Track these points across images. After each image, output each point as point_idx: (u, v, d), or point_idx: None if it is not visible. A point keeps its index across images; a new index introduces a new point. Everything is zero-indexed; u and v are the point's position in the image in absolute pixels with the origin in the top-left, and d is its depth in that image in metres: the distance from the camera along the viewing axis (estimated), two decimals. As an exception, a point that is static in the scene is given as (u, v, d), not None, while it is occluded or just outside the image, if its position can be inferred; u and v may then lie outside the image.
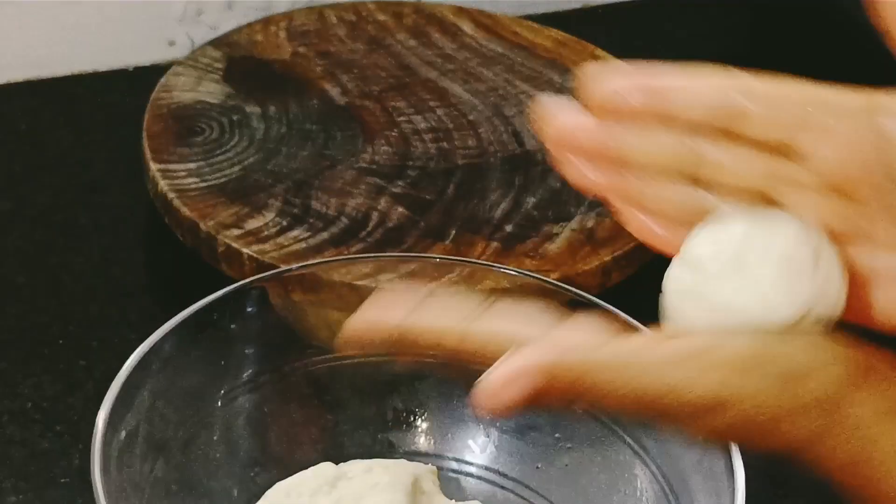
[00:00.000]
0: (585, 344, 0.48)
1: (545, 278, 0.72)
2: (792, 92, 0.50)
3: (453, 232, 0.83)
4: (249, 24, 0.97)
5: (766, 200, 0.50)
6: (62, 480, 0.74)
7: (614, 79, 0.50)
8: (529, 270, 0.76)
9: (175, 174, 0.84)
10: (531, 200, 0.85)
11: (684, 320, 0.50)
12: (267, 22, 0.97)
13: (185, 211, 0.82)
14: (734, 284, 0.49)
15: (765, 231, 0.49)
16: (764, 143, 0.50)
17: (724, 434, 0.48)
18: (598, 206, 0.85)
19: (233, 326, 0.69)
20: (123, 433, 0.63)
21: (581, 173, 0.51)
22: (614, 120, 0.50)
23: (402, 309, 0.51)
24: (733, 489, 0.61)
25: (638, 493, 0.68)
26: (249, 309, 0.70)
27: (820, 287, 0.49)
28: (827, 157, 0.49)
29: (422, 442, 0.72)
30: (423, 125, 0.91)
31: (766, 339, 0.48)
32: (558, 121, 0.51)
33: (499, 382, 0.45)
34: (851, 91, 0.49)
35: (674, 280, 0.51)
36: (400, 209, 0.84)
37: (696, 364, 0.47)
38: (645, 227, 0.52)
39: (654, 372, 0.47)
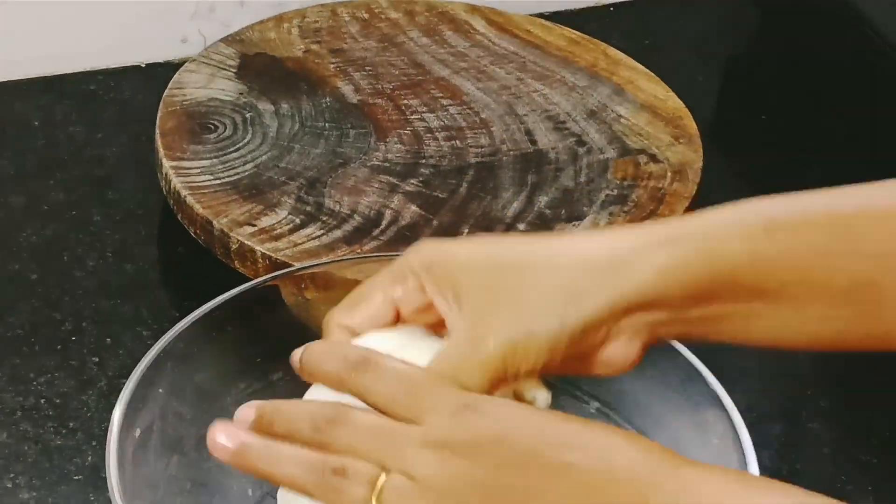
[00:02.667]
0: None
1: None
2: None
3: (466, 230, 0.83)
4: (262, 22, 0.97)
5: None
6: (75, 477, 0.74)
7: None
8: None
9: (188, 171, 0.85)
10: (543, 199, 0.86)
11: None
12: (280, 19, 0.97)
13: (199, 208, 0.82)
14: None
15: None
16: None
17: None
18: (611, 205, 0.85)
19: (247, 324, 0.69)
20: (138, 430, 0.63)
21: None
22: None
23: None
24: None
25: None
26: (263, 307, 0.70)
27: None
28: None
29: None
30: (435, 123, 0.91)
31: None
32: None
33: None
34: None
35: None
36: (413, 207, 0.84)
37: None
38: None
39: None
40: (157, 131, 0.87)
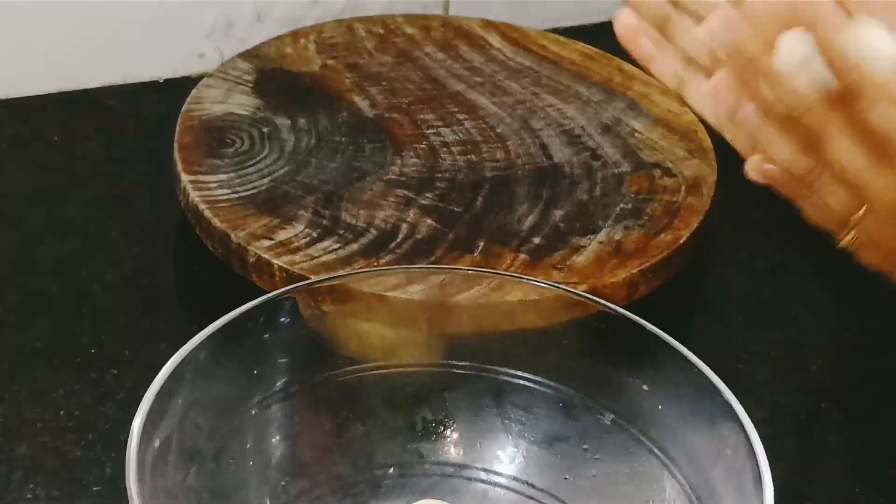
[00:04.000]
0: None
1: (574, 290, 0.73)
2: None
3: (482, 244, 0.83)
4: (279, 37, 0.98)
5: None
6: (94, 489, 0.74)
7: None
8: (557, 282, 0.77)
9: (206, 185, 0.85)
10: (559, 213, 0.86)
11: None
12: (296, 35, 0.98)
13: (216, 222, 0.83)
14: None
15: None
16: None
17: None
18: (625, 218, 0.86)
19: (264, 337, 0.69)
20: (157, 441, 0.63)
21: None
22: None
23: None
24: (762, 501, 0.62)
25: (666, 505, 0.69)
26: (280, 319, 0.70)
27: None
28: None
29: (451, 452, 0.72)
30: (451, 137, 0.92)
31: None
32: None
33: None
34: None
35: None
36: (429, 221, 0.85)
37: None
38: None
39: None
40: (175, 146, 0.88)
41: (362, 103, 0.94)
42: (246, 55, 0.96)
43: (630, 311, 0.69)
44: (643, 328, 0.69)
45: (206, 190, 0.85)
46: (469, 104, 0.94)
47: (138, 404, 0.63)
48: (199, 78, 0.94)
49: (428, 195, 0.87)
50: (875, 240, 0.57)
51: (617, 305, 0.71)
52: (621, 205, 0.87)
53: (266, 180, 0.87)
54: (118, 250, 0.87)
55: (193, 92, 0.92)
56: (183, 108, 0.90)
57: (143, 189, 0.92)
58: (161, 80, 1.00)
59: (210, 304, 0.73)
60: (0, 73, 0.97)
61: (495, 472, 0.72)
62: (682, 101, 0.94)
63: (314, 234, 0.83)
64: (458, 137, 0.92)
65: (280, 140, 0.90)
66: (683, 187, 0.88)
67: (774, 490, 0.62)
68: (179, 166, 0.86)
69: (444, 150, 0.91)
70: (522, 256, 0.83)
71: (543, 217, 0.86)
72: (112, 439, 0.76)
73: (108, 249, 0.88)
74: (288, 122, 0.91)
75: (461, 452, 0.72)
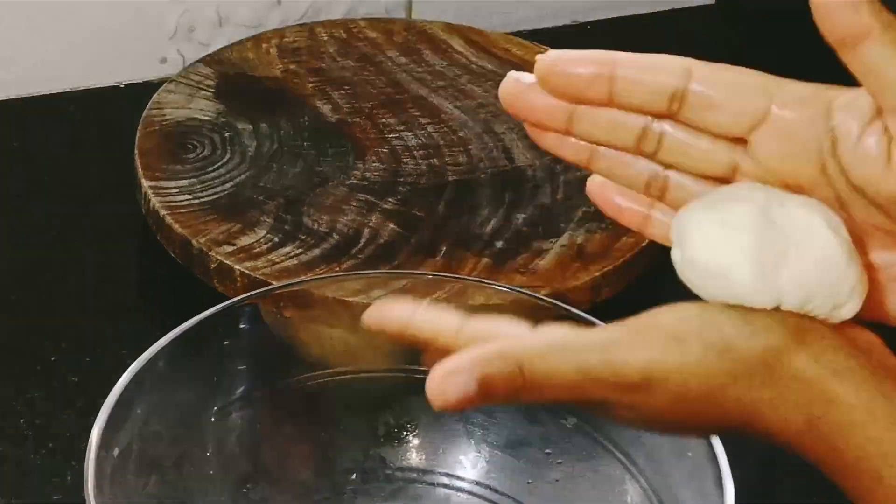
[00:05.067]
0: (522, 335, 0.49)
1: (535, 294, 0.73)
2: (749, 80, 0.50)
3: (444, 248, 0.83)
4: (241, 42, 0.97)
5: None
6: (55, 497, 0.74)
7: (572, 62, 0.51)
8: (520, 286, 0.77)
9: (167, 191, 0.85)
10: (521, 217, 0.86)
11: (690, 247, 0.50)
12: (258, 39, 0.98)
13: (178, 228, 0.82)
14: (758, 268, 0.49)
15: (798, 219, 0.49)
16: (723, 132, 0.51)
17: (665, 413, 0.48)
18: (588, 222, 0.86)
19: (225, 343, 0.69)
20: (117, 450, 0.63)
21: (556, 144, 0.53)
22: (574, 103, 0.51)
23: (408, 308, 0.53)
24: (723, 503, 0.62)
25: (628, 508, 0.69)
26: (242, 326, 0.70)
27: (850, 284, 0.49)
28: (771, 150, 0.50)
29: (414, 457, 0.72)
30: (413, 142, 0.91)
31: (699, 311, 0.48)
32: (525, 92, 0.52)
33: (440, 377, 0.46)
34: (804, 85, 0.50)
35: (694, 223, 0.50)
36: (391, 225, 0.85)
37: (624, 341, 0.47)
38: (610, 200, 0.54)
39: (585, 356, 0.47)
40: (136, 151, 0.87)
41: (324, 108, 0.93)
42: (208, 60, 0.95)
43: (593, 315, 0.69)
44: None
45: (167, 196, 0.84)
46: (432, 108, 0.94)
47: (99, 412, 0.63)
48: (161, 83, 0.94)
49: (390, 200, 0.87)
50: None
51: (580, 309, 0.71)
52: (584, 208, 0.87)
53: (227, 185, 0.86)
54: (80, 257, 0.87)
55: (154, 97, 0.92)
56: (144, 114, 0.90)
57: (105, 195, 0.91)
58: (122, 85, 1.00)
59: (172, 311, 0.73)
60: (-40, 79, 0.97)
61: (458, 477, 0.72)
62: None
63: (276, 240, 0.83)
64: (420, 141, 0.91)
65: (242, 145, 0.90)
66: (646, 190, 0.88)
67: (736, 491, 0.62)
68: (140, 172, 0.86)
69: (407, 154, 0.90)
70: (485, 260, 0.83)
71: (506, 221, 0.86)
72: (73, 448, 0.75)
73: (70, 256, 0.87)
74: (250, 126, 0.91)
75: (424, 458, 0.72)
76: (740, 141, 0.51)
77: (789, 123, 0.49)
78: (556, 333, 0.50)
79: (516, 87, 0.52)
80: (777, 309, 0.49)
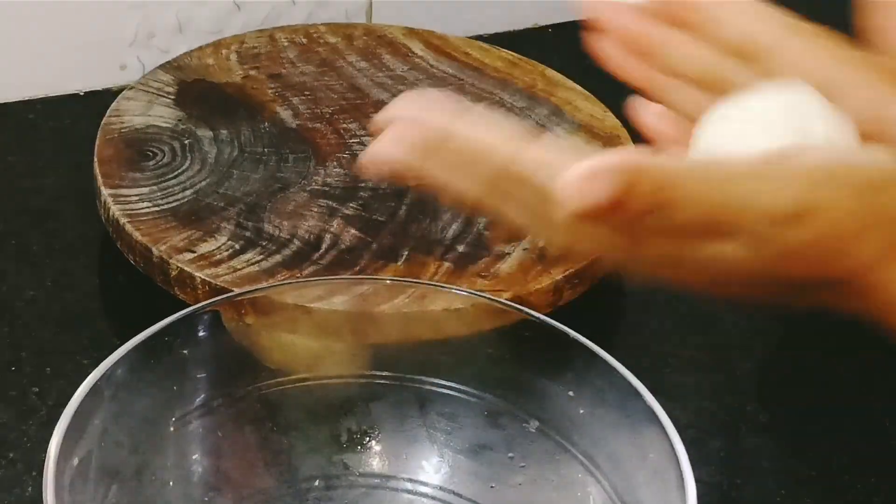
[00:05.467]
0: (668, 157, 0.47)
1: (497, 298, 0.73)
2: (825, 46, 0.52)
3: (406, 253, 0.83)
4: (200, 48, 0.97)
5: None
6: (16, 508, 0.73)
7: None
8: (482, 290, 0.77)
9: (127, 199, 0.84)
10: (483, 220, 0.86)
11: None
12: (218, 45, 0.97)
13: (138, 236, 0.82)
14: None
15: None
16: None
17: (798, 252, 0.46)
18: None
19: (185, 351, 0.69)
20: (76, 460, 0.62)
21: (618, 60, 0.54)
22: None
23: (442, 114, 0.47)
24: (684, 503, 0.62)
25: (591, 512, 0.69)
26: (202, 333, 0.70)
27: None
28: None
29: (376, 463, 0.72)
30: (374, 146, 0.91)
31: (845, 153, 0.48)
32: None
33: (584, 175, 0.42)
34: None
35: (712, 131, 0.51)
36: (352, 231, 0.85)
37: (776, 176, 0.46)
38: (655, 123, 0.55)
39: (735, 183, 0.45)
40: (96, 159, 0.87)
41: (285, 113, 0.93)
42: (167, 66, 0.95)
43: (555, 318, 0.69)
44: (566, 335, 0.69)
45: (126, 203, 0.84)
46: (392, 113, 0.94)
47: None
48: (121, 90, 0.93)
49: (351, 205, 0.87)
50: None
51: (542, 312, 0.71)
52: (545, 211, 0.87)
53: (188, 192, 0.86)
54: (39, 265, 0.87)
55: (113, 104, 0.91)
56: (103, 121, 0.90)
57: (64, 203, 0.91)
58: (82, 93, 1.00)
59: (133, 319, 0.73)
60: (-83, 88, 0.96)
61: (421, 482, 0.72)
62: (605, 107, 0.95)
63: (237, 246, 0.82)
64: (381, 146, 0.91)
65: (202, 152, 0.89)
66: (607, 193, 0.88)
67: (699, 492, 0.62)
68: (100, 180, 0.85)
69: (368, 159, 0.90)
70: (447, 265, 0.82)
71: (467, 225, 0.85)
72: (33, 458, 0.75)
73: (29, 264, 0.87)
74: (210, 133, 0.91)
75: (387, 463, 0.72)
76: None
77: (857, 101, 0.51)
78: (688, 160, 0.49)
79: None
80: None
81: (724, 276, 0.48)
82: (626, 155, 0.44)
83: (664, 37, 0.54)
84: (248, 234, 0.83)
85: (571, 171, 0.42)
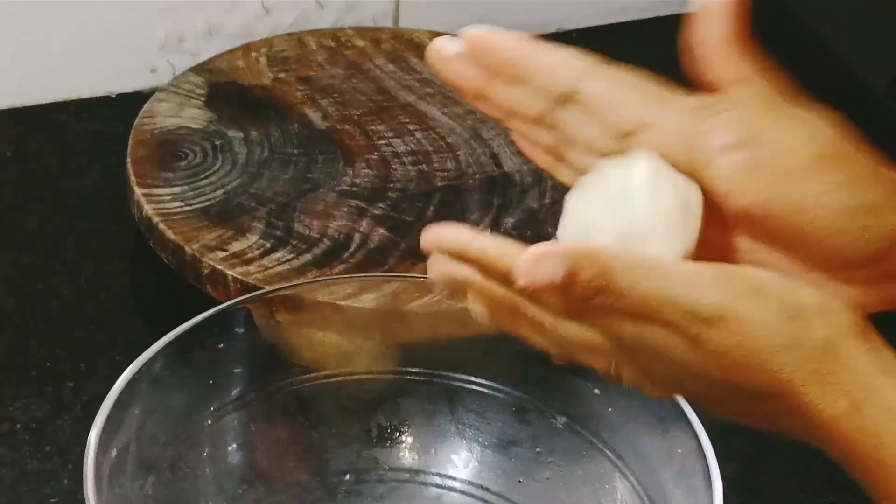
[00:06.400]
0: (614, 250, 0.51)
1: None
2: (632, 86, 0.55)
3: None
4: (230, 51, 0.98)
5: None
6: (52, 500, 0.75)
7: (494, 44, 0.57)
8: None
9: (159, 198, 0.86)
10: (509, 221, 0.87)
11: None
12: (247, 48, 0.99)
13: (170, 234, 0.83)
14: (618, 221, 0.53)
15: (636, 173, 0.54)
16: (607, 125, 0.56)
17: (719, 355, 0.50)
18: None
19: (219, 347, 0.70)
20: (114, 451, 0.64)
21: (476, 103, 0.58)
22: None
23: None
24: (711, 500, 0.63)
25: (618, 506, 0.70)
26: (235, 329, 0.71)
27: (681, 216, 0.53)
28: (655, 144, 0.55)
29: (406, 457, 0.73)
30: (402, 148, 0.92)
31: (785, 279, 0.50)
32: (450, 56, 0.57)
33: (534, 257, 0.49)
34: (683, 94, 0.55)
35: (571, 212, 0.55)
36: (381, 230, 0.86)
37: (709, 277, 0.49)
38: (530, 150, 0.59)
39: (669, 279, 0.49)
40: (129, 159, 0.88)
41: (314, 115, 0.94)
42: (198, 69, 0.96)
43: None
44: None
45: (159, 203, 0.85)
46: (420, 115, 0.95)
47: (95, 416, 0.64)
48: (152, 92, 0.95)
49: (380, 205, 0.88)
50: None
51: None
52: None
53: (219, 192, 0.87)
54: (74, 264, 0.88)
55: (146, 106, 0.92)
56: (135, 122, 0.91)
57: (97, 203, 0.92)
58: (114, 95, 1.01)
59: (165, 316, 0.74)
60: (-48, 90, 0.98)
61: (450, 477, 0.73)
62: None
63: (268, 245, 0.84)
64: (409, 148, 0.93)
65: (232, 153, 0.91)
66: (632, 194, 0.89)
67: (724, 489, 0.63)
68: (133, 180, 0.87)
69: (396, 160, 0.91)
70: (474, 264, 0.83)
71: (494, 225, 0.87)
72: (69, 451, 0.76)
73: (64, 263, 0.88)
74: (240, 134, 0.92)
75: (416, 458, 0.73)
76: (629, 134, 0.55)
77: (667, 134, 0.54)
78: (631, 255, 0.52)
79: (439, 55, 0.57)
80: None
81: (674, 370, 0.52)
82: (575, 244, 0.50)
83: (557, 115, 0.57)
84: (278, 233, 0.85)
85: (526, 253, 0.49)
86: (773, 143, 0.52)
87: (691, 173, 0.53)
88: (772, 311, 0.49)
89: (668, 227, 0.52)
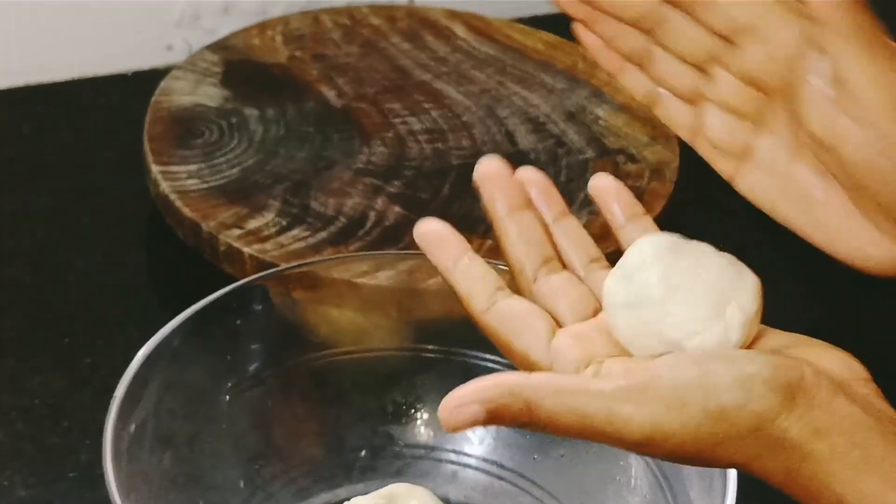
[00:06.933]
0: (535, 377, 0.52)
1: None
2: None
3: (449, 230, 0.84)
4: (246, 29, 0.98)
5: (699, 70, 0.61)
6: (70, 475, 0.75)
7: None
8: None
9: (176, 175, 0.86)
10: (525, 199, 0.87)
11: (621, 335, 0.55)
12: (263, 26, 0.99)
13: (187, 211, 0.84)
14: (664, 307, 0.54)
15: (688, 259, 0.56)
16: (716, 28, 0.60)
17: (666, 458, 0.52)
18: (590, 204, 0.87)
19: (237, 323, 0.70)
20: (133, 426, 0.64)
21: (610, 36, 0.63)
22: None
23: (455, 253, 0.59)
24: (725, 476, 0.63)
25: (632, 483, 0.70)
26: (252, 306, 0.71)
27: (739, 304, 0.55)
28: (756, 56, 0.59)
29: (422, 434, 0.74)
30: (417, 126, 0.93)
31: (700, 373, 0.51)
32: None
33: (453, 404, 0.50)
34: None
35: (611, 292, 0.56)
36: (397, 208, 0.86)
37: (632, 399, 0.50)
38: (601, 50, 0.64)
39: (593, 405, 0.50)
40: (145, 137, 0.88)
41: (329, 93, 0.95)
42: (214, 47, 0.97)
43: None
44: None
45: (176, 180, 0.86)
46: (435, 93, 0.95)
47: (112, 391, 0.64)
48: (168, 70, 0.95)
49: (396, 183, 0.88)
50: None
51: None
52: (586, 191, 0.88)
53: (235, 170, 0.88)
54: (90, 240, 0.88)
55: (162, 84, 0.93)
56: (152, 100, 0.91)
57: (113, 179, 0.92)
58: (129, 73, 1.01)
59: (181, 292, 0.74)
60: (-30, 67, 0.98)
61: (465, 454, 0.73)
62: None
63: (284, 223, 0.84)
64: (424, 126, 0.93)
65: (248, 130, 0.91)
66: (647, 172, 0.90)
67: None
68: (150, 157, 0.87)
69: (411, 138, 0.92)
70: (490, 242, 0.84)
71: (509, 203, 0.87)
72: (87, 426, 0.77)
73: (81, 239, 0.88)
74: (256, 112, 0.92)
75: (431, 434, 0.74)
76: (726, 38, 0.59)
77: (770, 45, 0.57)
78: (565, 375, 0.53)
79: None
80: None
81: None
82: (497, 380, 0.51)
83: (660, 14, 0.61)
84: (294, 210, 0.85)
85: (445, 401, 0.50)
86: (865, 85, 0.55)
87: (782, 87, 0.56)
88: (696, 420, 0.50)
89: (707, 318, 0.54)
